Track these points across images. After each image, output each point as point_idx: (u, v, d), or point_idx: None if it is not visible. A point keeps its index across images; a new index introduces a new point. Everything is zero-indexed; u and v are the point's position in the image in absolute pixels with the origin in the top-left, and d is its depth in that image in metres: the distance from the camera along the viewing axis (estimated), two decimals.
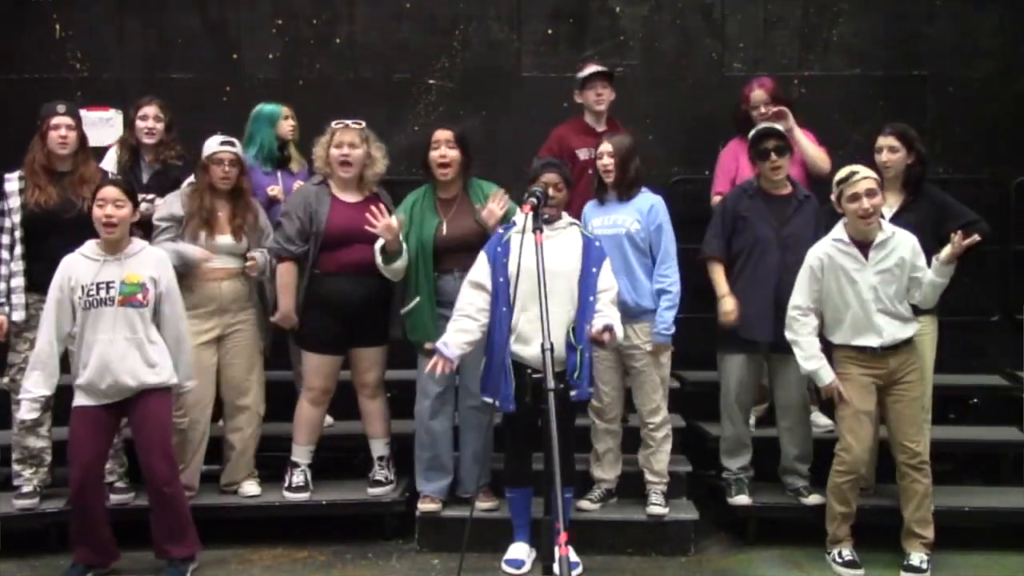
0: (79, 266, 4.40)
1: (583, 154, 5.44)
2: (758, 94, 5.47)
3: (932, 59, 6.45)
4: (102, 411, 4.40)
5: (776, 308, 4.84)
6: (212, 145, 4.94)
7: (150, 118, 5.25)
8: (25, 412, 4.44)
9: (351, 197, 4.98)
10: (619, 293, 4.73)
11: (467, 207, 4.88)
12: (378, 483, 5.10)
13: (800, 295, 4.63)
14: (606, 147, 4.89)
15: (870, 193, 4.47)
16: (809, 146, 5.36)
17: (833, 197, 4.59)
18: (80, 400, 4.40)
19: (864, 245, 4.54)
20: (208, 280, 4.91)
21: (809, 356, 4.60)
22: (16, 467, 4.92)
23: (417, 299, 4.82)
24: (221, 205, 4.95)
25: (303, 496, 5.02)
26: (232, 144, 4.97)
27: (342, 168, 4.91)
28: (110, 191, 4.40)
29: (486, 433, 4.83)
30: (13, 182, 4.87)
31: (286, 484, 5.05)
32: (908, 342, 4.58)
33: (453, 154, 4.83)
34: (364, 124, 5.01)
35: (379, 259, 4.77)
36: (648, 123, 6.14)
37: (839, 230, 4.60)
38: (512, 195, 4.88)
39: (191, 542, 4.54)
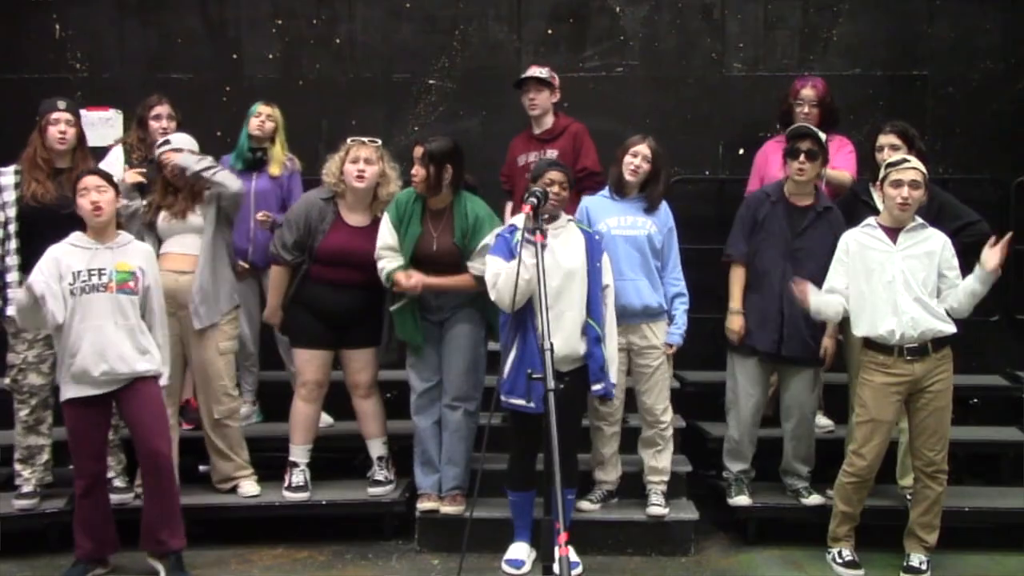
0: (69, 255, 4.40)
1: (521, 160, 5.44)
2: (808, 92, 5.41)
3: (932, 59, 6.44)
4: (95, 402, 4.40)
5: (780, 321, 4.84)
6: (157, 149, 4.96)
7: (164, 118, 5.27)
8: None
9: (357, 220, 4.95)
10: (641, 295, 4.79)
11: (451, 225, 4.79)
12: (378, 483, 5.10)
13: (830, 277, 4.62)
14: (643, 150, 4.84)
15: (914, 184, 4.44)
16: (834, 175, 5.26)
17: (878, 180, 4.59)
18: (71, 392, 4.38)
19: (894, 232, 4.52)
20: (168, 272, 4.84)
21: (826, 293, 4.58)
22: (17, 467, 4.92)
23: (404, 299, 4.78)
24: (183, 191, 4.91)
25: (303, 496, 5.02)
26: (167, 143, 4.92)
27: (357, 181, 4.86)
28: (90, 179, 4.43)
29: (464, 436, 4.86)
30: (8, 176, 4.87)
31: (286, 484, 5.04)
32: (939, 348, 4.49)
33: (421, 172, 4.73)
34: (380, 142, 4.99)
35: (385, 281, 4.78)
36: (648, 123, 6.14)
37: (871, 218, 4.60)
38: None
39: (183, 533, 4.54)
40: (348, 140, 4.97)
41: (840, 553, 4.68)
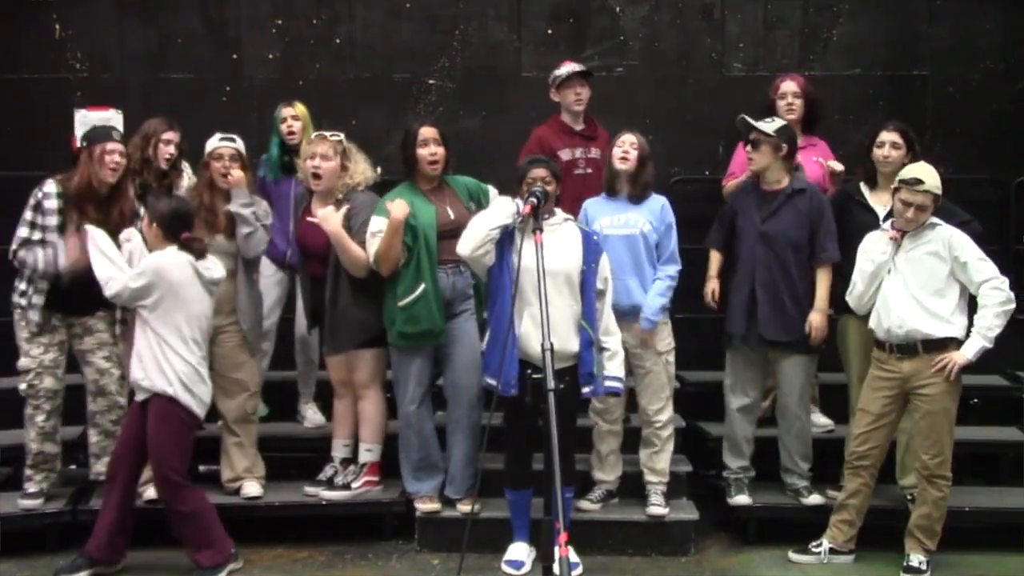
0: None
1: (565, 155, 5.37)
2: (789, 84, 5.43)
3: (932, 59, 6.45)
4: (144, 406, 4.50)
5: (752, 302, 4.88)
6: (212, 141, 4.92)
7: (172, 144, 5.11)
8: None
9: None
10: (631, 294, 4.78)
11: (455, 195, 4.88)
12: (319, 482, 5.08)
13: (853, 279, 4.71)
14: (630, 138, 4.88)
15: (920, 208, 4.48)
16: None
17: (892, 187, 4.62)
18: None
19: (903, 233, 4.58)
20: None
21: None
22: (28, 471, 4.93)
23: (422, 287, 4.71)
24: (221, 203, 4.89)
25: (332, 493, 5.00)
26: (232, 140, 4.92)
27: (313, 181, 4.87)
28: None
29: (475, 435, 4.85)
30: (52, 200, 4.75)
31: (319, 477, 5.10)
32: (931, 349, 4.50)
33: (441, 151, 4.83)
34: (343, 136, 4.94)
35: (374, 264, 4.74)
36: (648, 123, 6.13)
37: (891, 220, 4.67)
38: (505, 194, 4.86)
39: (216, 552, 4.54)
40: (313, 134, 4.98)
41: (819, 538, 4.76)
